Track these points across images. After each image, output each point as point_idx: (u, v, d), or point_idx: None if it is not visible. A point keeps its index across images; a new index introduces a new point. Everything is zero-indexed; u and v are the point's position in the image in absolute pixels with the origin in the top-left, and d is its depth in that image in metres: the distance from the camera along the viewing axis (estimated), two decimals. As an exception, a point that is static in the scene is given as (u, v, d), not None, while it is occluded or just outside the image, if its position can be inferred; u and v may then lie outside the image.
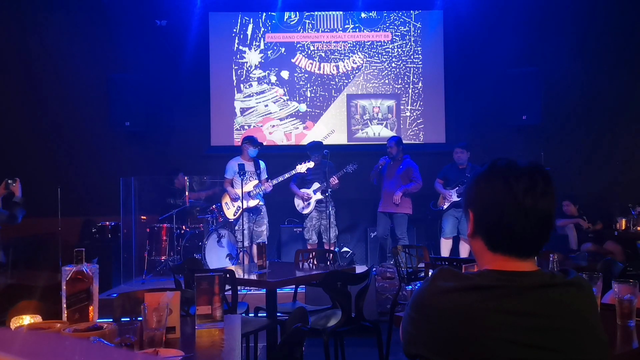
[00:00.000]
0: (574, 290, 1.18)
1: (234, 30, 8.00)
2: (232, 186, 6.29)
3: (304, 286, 4.79)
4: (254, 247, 6.00)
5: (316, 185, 6.43)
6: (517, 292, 1.13)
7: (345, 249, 7.01)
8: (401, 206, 6.50)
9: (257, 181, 6.22)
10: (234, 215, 6.27)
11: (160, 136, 7.73)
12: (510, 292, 1.13)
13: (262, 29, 8.00)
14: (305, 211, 6.51)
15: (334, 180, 6.26)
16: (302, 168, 6.19)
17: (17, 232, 6.82)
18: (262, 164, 6.34)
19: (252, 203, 6.18)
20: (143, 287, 5.62)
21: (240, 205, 6.07)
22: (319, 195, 6.42)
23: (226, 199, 6.37)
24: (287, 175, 6.21)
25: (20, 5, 7.56)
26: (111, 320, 2.36)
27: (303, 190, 6.47)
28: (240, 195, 5.97)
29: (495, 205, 1.19)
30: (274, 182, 6.19)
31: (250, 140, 6.25)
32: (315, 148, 6.46)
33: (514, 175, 1.18)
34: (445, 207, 6.64)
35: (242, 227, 6.12)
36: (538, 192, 1.17)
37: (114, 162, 7.38)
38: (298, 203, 6.57)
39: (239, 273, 3.66)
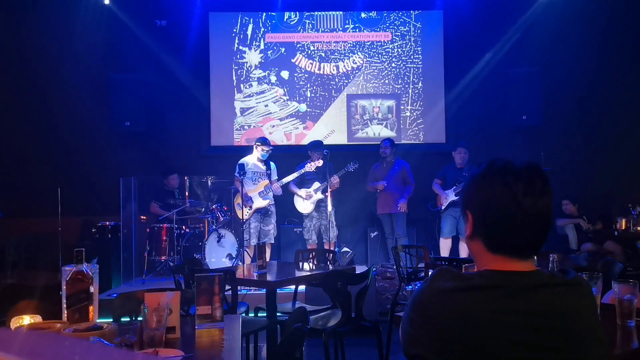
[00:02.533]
0: (573, 290, 1.18)
1: (234, 30, 8.00)
2: (243, 185, 6.29)
3: (304, 286, 4.79)
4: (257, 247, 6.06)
5: (316, 184, 6.43)
6: (517, 292, 1.13)
7: (345, 249, 7.00)
8: (401, 207, 6.60)
9: (267, 181, 6.24)
10: (247, 215, 6.28)
11: (160, 136, 7.73)
12: (509, 292, 1.13)
13: (262, 29, 7.99)
14: (306, 211, 6.52)
15: (335, 179, 6.26)
16: (311, 167, 6.20)
17: (17, 232, 6.84)
18: (272, 165, 6.37)
19: (264, 203, 6.20)
20: (143, 287, 5.62)
21: (252, 206, 6.13)
22: (319, 195, 6.42)
23: (238, 200, 6.31)
24: (296, 174, 6.24)
25: (20, 5, 7.56)
26: (111, 320, 2.36)
27: (303, 189, 6.48)
28: (241, 194, 5.98)
29: (494, 206, 1.18)
30: (284, 180, 6.22)
31: (263, 141, 6.29)
32: (316, 147, 6.46)
33: (512, 176, 1.18)
34: (443, 207, 6.65)
35: (249, 225, 6.18)
36: (537, 192, 1.17)
37: (114, 162, 7.38)
38: (298, 203, 6.57)
39: (239, 273, 3.66)
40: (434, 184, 6.81)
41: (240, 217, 6.22)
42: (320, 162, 6.23)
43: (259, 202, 6.20)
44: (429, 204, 6.92)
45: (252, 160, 6.28)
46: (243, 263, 5.91)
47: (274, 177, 6.34)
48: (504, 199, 1.17)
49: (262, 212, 6.29)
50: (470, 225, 1.24)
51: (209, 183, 6.95)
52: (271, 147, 6.31)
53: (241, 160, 6.25)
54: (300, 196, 6.50)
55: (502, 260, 1.20)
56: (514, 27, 7.54)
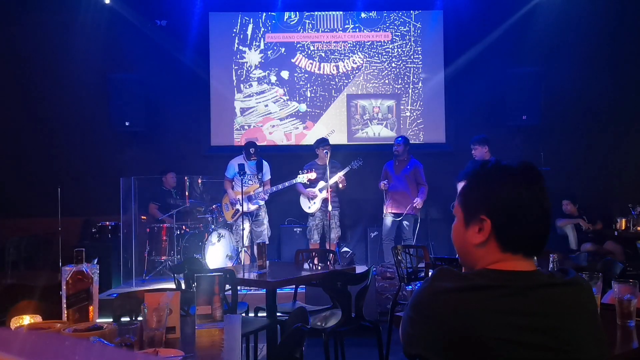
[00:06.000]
0: (572, 289, 1.18)
1: (234, 30, 8.00)
2: (233, 187, 6.31)
3: (304, 286, 4.79)
4: (255, 247, 6.05)
5: (322, 184, 6.40)
6: (516, 292, 1.13)
7: (345, 249, 7.00)
8: (412, 207, 6.41)
9: (258, 185, 6.24)
10: (232, 217, 6.32)
11: (160, 136, 7.73)
12: (509, 291, 1.13)
13: (262, 29, 7.99)
14: (310, 210, 6.51)
15: (340, 178, 6.24)
16: (303, 178, 6.17)
17: (17, 232, 6.84)
18: (265, 165, 6.35)
19: (252, 208, 6.22)
20: (143, 287, 5.62)
21: (239, 209, 6.10)
22: (324, 194, 6.40)
23: (226, 200, 6.39)
24: (287, 184, 6.21)
25: (20, 5, 7.56)
26: (111, 320, 2.36)
27: (309, 189, 6.47)
28: (241, 196, 5.97)
29: (517, 208, 1.18)
30: (273, 189, 6.23)
31: (244, 148, 6.29)
32: (321, 143, 6.43)
33: (527, 176, 1.20)
34: None
35: (242, 227, 6.14)
36: (545, 191, 1.20)
37: (114, 162, 7.38)
38: (303, 202, 6.56)
39: (239, 273, 3.66)
40: (458, 185, 6.45)
41: (229, 218, 6.30)
42: (313, 175, 6.17)
43: (249, 205, 6.20)
44: (450, 204, 6.66)
45: (243, 160, 6.27)
46: (242, 263, 5.91)
47: (267, 177, 6.34)
48: (526, 199, 1.18)
49: (252, 215, 6.31)
50: (488, 228, 1.20)
51: (200, 184, 6.98)
52: (252, 156, 6.23)
53: (232, 161, 6.32)
54: (306, 196, 6.49)
55: (505, 259, 1.19)
56: (513, 27, 7.54)
